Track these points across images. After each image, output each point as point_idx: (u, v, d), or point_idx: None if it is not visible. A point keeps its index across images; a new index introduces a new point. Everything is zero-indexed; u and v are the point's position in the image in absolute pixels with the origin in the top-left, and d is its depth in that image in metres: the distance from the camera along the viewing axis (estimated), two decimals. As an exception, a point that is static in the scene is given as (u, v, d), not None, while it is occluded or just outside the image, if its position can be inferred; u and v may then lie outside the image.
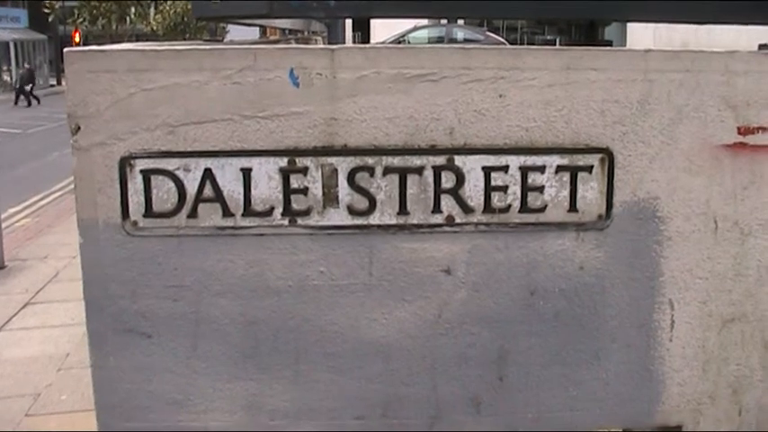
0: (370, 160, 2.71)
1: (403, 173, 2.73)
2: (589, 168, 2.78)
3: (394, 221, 2.76)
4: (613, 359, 2.93)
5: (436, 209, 2.75)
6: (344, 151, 2.71)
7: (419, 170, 2.73)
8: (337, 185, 2.72)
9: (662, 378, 2.97)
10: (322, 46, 3.09)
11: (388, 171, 2.72)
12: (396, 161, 2.72)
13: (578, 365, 2.93)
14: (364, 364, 2.86)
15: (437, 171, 2.73)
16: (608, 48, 3.17)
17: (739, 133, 2.82)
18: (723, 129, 2.82)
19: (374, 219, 2.75)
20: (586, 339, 2.90)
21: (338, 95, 2.68)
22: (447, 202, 2.75)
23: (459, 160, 2.73)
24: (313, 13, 3.23)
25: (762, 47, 3.06)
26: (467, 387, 2.91)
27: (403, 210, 2.75)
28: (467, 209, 2.76)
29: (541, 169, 2.76)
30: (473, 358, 2.88)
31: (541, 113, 2.75)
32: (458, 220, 2.77)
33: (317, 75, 2.67)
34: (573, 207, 2.79)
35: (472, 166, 2.74)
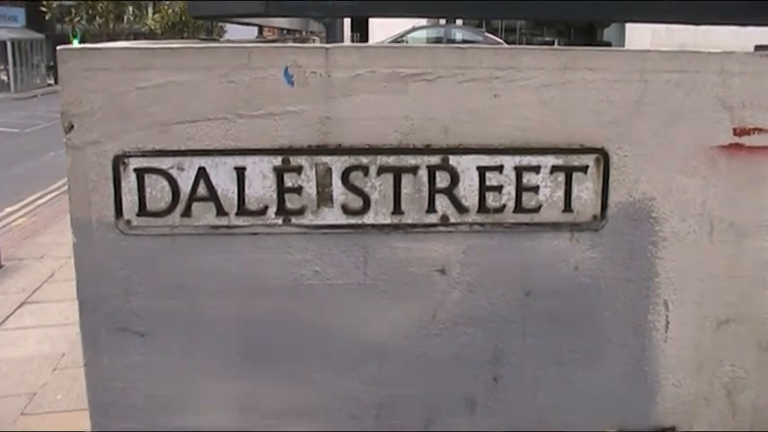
0: (364, 159, 2.70)
1: (397, 172, 2.71)
2: (584, 169, 2.77)
3: (388, 221, 2.74)
4: (608, 360, 2.92)
5: (431, 208, 2.74)
6: (339, 150, 2.69)
7: (414, 170, 2.71)
8: (331, 185, 2.71)
9: (657, 379, 2.96)
10: (317, 45, 3.08)
11: (382, 170, 2.71)
12: (390, 160, 2.71)
13: (573, 366, 2.92)
14: (359, 365, 2.85)
15: (432, 171, 2.72)
16: (605, 48, 3.17)
17: (735, 134, 2.81)
18: (719, 130, 2.81)
19: (369, 218, 2.74)
20: (581, 340, 2.89)
21: (333, 94, 2.67)
22: (442, 202, 2.74)
23: (453, 160, 2.72)
24: (309, 12, 3.22)
25: (758, 48, 3.05)
26: (461, 388, 2.90)
27: (397, 209, 2.74)
28: (461, 209, 2.75)
29: (536, 169, 2.75)
30: (468, 359, 2.87)
31: (537, 113, 2.74)
32: (452, 220, 2.75)
33: (311, 73, 2.66)
34: (568, 207, 2.78)
35: (467, 165, 2.73)
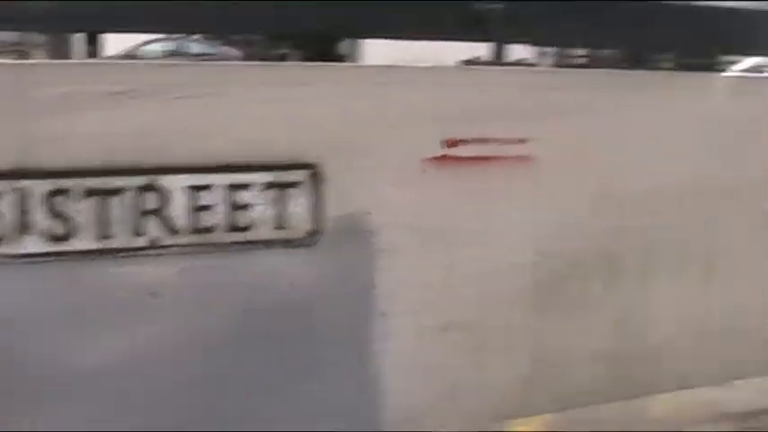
0: (68, 183, 2.57)
1: (104, 195, 2.60)
2: (297, 184, 2.76)
3: (95, 246, 2.62)
4: (333, 373, 2.93)
5: (140, 231, 2.65)
6: (40, 174, 2.55)
7: (121, 192, 2.62)
8: (33, 211, 2.56)
9: (383, 388, 3.00)
10: (17, 61, 2.94)
11: (87, 194, 2.59)
12: (96, 183, 2.59)
13: (298, 381, 2.90)
14: (74, 395, 2.71)
15: (140, 192, 2.63)
16: (328, 63, 3.20)
17: (445, 146, 2.90)
18: (431, 142, 2.89)
19: (74, 244, 2.60)
20: (303, 356, 2.89)
21: (34, 114, 2.53)
22: (151, 224, 2.65)
23: (162, 180, 2.63)
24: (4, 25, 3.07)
25: (466, 62, 3.18)
26: (184, 411, 2.82)
27: (104, 234, 2.62)
28: (172, 230, 2.66)
29: (249, 187, 2.72)
30: (188, 382, 2.80)
31: (251, 130, 2.71)
32: (163, 242, 2.66)
33: (10, 92, 2.51)
34: (281, 224, 2.77)
35: (177, 185, 2.65)
